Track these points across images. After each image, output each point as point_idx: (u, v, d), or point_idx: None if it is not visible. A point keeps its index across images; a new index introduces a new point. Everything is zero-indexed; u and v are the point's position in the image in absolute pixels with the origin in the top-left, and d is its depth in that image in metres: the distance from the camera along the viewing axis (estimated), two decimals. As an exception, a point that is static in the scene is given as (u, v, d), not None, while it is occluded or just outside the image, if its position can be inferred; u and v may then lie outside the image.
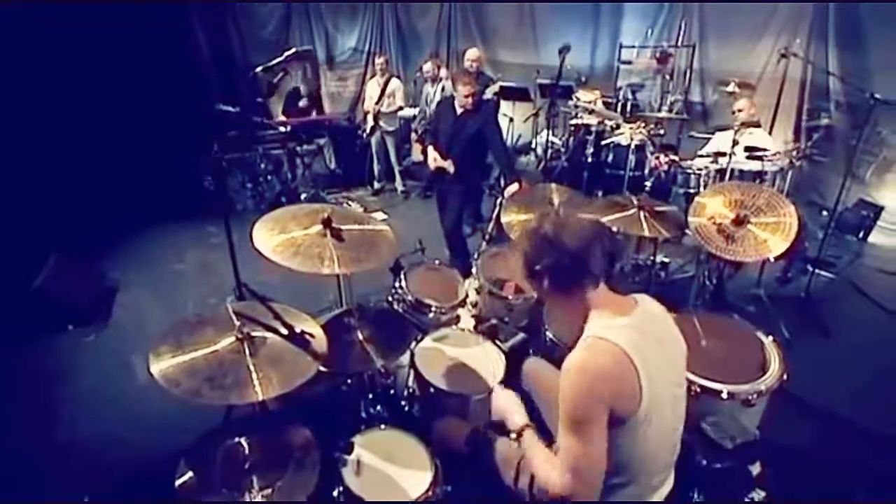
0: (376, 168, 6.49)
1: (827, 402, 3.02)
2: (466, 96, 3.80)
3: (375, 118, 6.14)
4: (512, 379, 2.31)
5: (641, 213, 2.74)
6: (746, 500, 2.23)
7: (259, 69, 1.72)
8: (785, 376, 2.33)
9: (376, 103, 6.08)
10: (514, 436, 1.69)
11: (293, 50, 1.70)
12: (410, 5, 7.92)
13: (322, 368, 2.09)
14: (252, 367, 1.62)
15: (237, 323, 1.72)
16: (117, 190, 5.16)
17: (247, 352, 1.68)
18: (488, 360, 2.45)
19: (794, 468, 2.60)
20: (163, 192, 5.41)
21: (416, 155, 6.72)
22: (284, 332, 1.80)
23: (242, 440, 1.67)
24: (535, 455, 1.58)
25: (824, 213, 5.04)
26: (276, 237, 2.15)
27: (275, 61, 1.73)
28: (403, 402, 2.49)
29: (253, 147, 5.96)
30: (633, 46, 6.44)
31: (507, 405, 1.78)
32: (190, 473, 1.59)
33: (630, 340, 1.41)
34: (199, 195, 5.59)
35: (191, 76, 6.32)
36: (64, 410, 3.09)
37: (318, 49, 7.90)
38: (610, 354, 1.39)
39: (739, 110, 4.31)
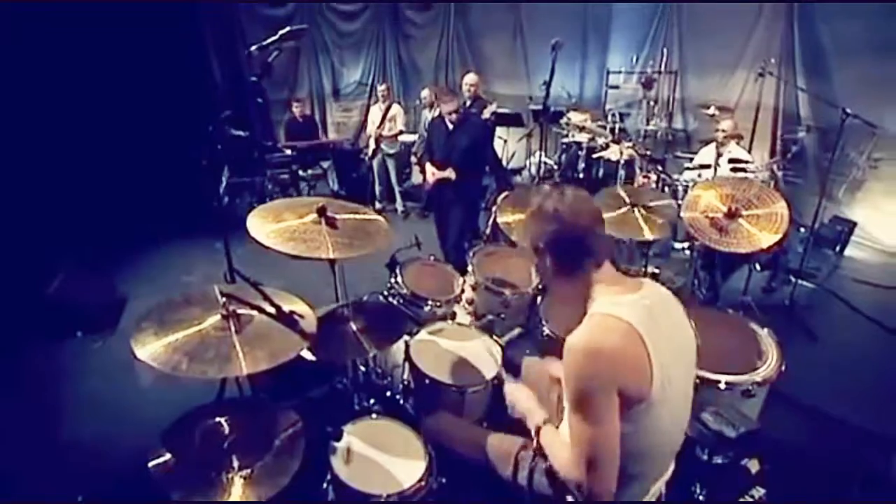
0: (377, 189, 6.37)
1: (819, 402, 2.90)
2: (450, 113, 3.72)
3: (377, 141, 6.07)
4: (508, 372, 2.13)
5: (635, 210, 2.56)
6: (747, 496, 2.04)
7: (254, 48, 1.60)
8: (783, 367, 2.15)
9: (378, 127, 6.02)
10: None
11: (287, 29, 1.58)
12: (410, 42, 7.95)
13: (310, 355, 1.92)
14: (236, 343, 1.43)
15: (222, 300, 1.53)
16: (133, 206, 5.06)
17: (232, 329, 1.49)
18: (485, 353, 2.26)
19: (792, 466, 2.42)
20: (176, 210, 5.29)
21: (416, 178, 6.62)
22: (272, 311, 1.61)
23: (223, 420, 1.46)
24: (554, 448, 1.39)
25: (802, 229, 4.95)
26: (270, 225, 1.99)
27: (269, 40, 1.60)
28: (398, 396, 2.27)
29: (261, 170, 5.87)
30: (620, 72, 6.46)
31: (528, 403, 1.57)
32: (167, 455, 1.38)
33: (639, 317, 1.22)
34: (209, 213, 5.47)
35: (205, 104, 6.27)
36: (67, 412, 2.99)
37: (325, 82, 7.90)
38: (618, 332, 1.19)
39: (724, 130, 4.25)
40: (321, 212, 2.05)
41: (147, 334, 1.43)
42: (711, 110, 4.99)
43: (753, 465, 2.12)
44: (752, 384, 2.07)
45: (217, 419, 1.47)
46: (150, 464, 1.34)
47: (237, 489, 1.33)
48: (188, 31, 5.87)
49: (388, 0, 7.59)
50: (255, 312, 1.59)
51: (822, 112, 5.24)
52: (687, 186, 3.94)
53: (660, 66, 6.06)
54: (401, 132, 6.21)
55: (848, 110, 3.61)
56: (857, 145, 5.15)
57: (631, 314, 1.22)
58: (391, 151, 6.14)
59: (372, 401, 2.29)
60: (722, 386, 2.07)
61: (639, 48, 6.39)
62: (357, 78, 7.98)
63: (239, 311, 1.56)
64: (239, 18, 6.77)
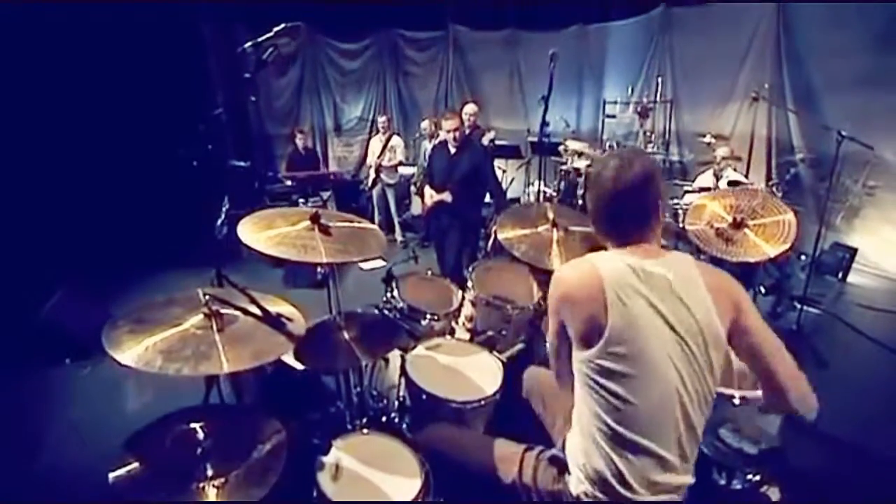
0: (377, 219, 6.30)
1: (836, 428, 2.71)
2: (449, 131, 3.72)
3: (377, 171, 6.06)
4: (511, 388, 1.99)
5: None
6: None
7: (248, 44, 1.55)
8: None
9: (378, 157, 6.03)
10: None
11: (282, 25, 1.54)
12: (411, 79, 8.10)
13: (300, 364, 1.79)
14: (217, 341, 1.30)
15: (205, 299, 1.41)
16: (130, 233, 5.00)
17: (214, 328, 1.37)
18: (485, 369, 2.11)
19: (813, 495, 2.31)
20: (176, 240, 5.22)
21: (415, 208, 6.58)
22: (258, 313, 1.49)
23: (197, 426, 1.31)
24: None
25: (803, 257, 4.88)
26: (263, 232, 1.89)
27: (264, 37, 1.56)
28: (393, 414, 2.12)
29: (261, 201, 5.83)
30: (616, 102, 6.53)
31: None
32: (133, 464, 1.22)
33: (616, 270, 1.27)
34: (210, 244, 5.41)
35: (211, 138, 6.30)
36: (49, 437, 2.85)
37: (327, 118, 7.99)
38: (580, 272, 1.32)
39: (723, 156, 4.31)
40: (314, 218, 1.97)
41: (122, 332, 1.31)
42: (707, 138, 5.01)
43: (774, 493, 1.94)
44: (769, 399, 1.93)
45: (191, 425, 1.32)
46: (112, 475, 1.18)
47: (209, 499, 1.17)
48: (202, 80, 5.96)
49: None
50: (238, 313, 1.47)
51: (814, 141, 5.26)
52: (687, 209, 3.87)
53: (655, 96, 6.12)
54: (400, 163, 6.22)
55: (843, 132, 3.60)
56: (852, 173, 5.15)
57: (607, 265, 1.29)
58: (391, 182, 6.14)
59: (364, 419, 2.12)
60: (736, 401, 1.92)
61: (634, 79, 6.49)
62: (358, 114, 8.08)
63: (222, 311, 1.44)
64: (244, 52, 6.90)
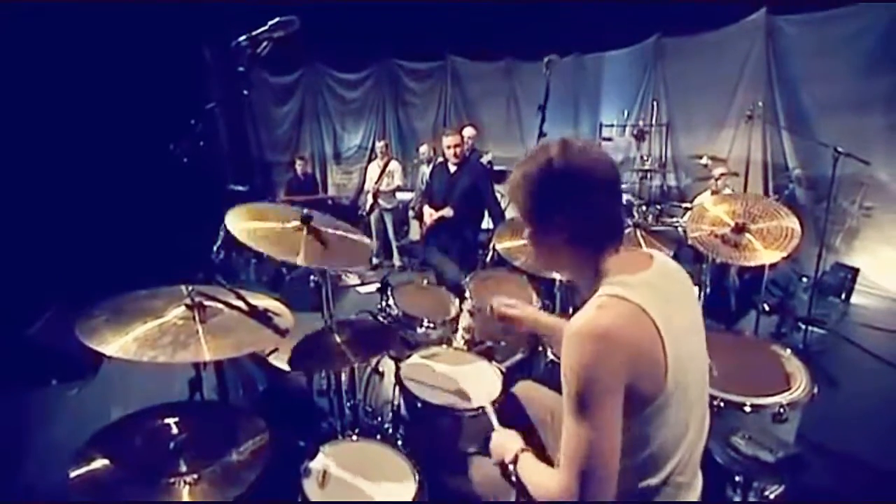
0: (375, 245, 6.25)
1: (850, 448, 2.64)
2: (450, 147, 3.71)
3: (375, 196, 6.04)
4: (509, 398, 1.89)
5: (638, 232, 2.43)
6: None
7: (242, 38, 1.51)
8: (815, 390, 1.91)
9: (376, 182, 6.03)
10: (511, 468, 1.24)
11: (276, 20, 1.51)
12: (409, 109, 8.22)
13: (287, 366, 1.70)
14: (199, 331, 1.22)
15: (187, 291, 1.34)
16: (127, 254, 4.91)
17: (196, 319, 1.29)
18: (483, 378, 2.01)
19: None
20: (170, 261, 5.14)
21: (414, 234, 6.54)
22: (244, 307, 1.41)
23: (172, 421, 1.20)
24: (534, 472, 1.17)
25: (804, 279, 4.81)
26: (250, 223, 1.83)
27: (258, 31, 1.54)
28: (387, 425, 2.00)
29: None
30: (612, 125, 6.57)
31: (503, 443, 1.31)
32: (99, 461, 1.12)
33: (649, 299, 1.04)
34: (206, 266, 5.35)
35: (212, 164, 6.31)
36: (32, 459, 2.71)
37: (327, 146, 8.09)
38: (627, 314, 1.02)
39: (722, 173, 4.42)
40: (306, 220, 1.91)
41: (98, 321, 1.23)
42: (704, 160, 5.04)
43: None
44: (780, 407, 1.83)
45: (165, 420, 1.22)
46: (72, 473, 1.07)
47: (181, 496, 1.07)
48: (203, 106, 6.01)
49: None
50: (223, 306, 1.39)
51: (810, 162, 5.29)
52: (686, 228, 3.84)
53: (651, 120, 6.16)
54: (398, 188, 6.21)
55: (839, 149, 3.59)
56: (848, 195, 5.14)
57: (639, 295, 1.04)
58: (388, 206, 6.12)
59: (357, 430, 2.01)
60: (747, 409, 1.82)
61: (630, 104, 6.54)
62: (357, 142, 8.17)
63: (206, 304, 1.36)
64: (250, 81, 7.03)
